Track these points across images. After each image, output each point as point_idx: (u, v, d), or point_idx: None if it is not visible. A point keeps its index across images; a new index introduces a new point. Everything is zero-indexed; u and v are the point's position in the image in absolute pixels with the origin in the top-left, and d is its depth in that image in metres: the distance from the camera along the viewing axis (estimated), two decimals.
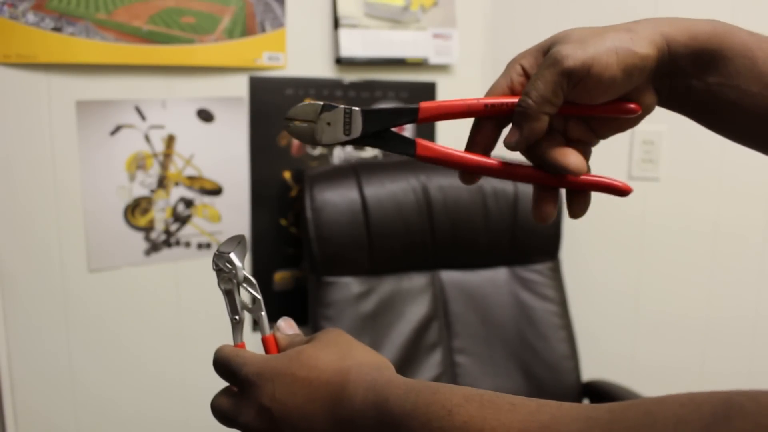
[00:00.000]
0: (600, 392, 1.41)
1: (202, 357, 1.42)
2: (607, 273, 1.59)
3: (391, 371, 0.43)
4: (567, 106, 0.46)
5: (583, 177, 0.47)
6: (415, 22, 1.48)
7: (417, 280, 1.42)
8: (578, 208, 0.49)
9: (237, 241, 0.51)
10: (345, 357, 0.44)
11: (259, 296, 0.50)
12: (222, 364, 0.47)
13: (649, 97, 0.47)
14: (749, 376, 1.54)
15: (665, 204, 1.52)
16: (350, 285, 1.35)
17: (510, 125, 0.48)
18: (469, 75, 1.59)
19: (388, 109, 0.48)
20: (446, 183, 1.40)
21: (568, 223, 1.48)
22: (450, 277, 1.44)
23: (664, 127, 1.46)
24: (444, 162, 0.48)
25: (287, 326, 0.51)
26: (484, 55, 1.61)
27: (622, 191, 0.47)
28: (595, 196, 0.48)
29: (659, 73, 0.45)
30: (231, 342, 0.51)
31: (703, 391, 0.30)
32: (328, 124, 0.48)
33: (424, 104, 0.48)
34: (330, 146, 0.49)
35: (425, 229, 1.39)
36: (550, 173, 0.47)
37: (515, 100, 0.46)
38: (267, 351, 0.49)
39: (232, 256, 0.49)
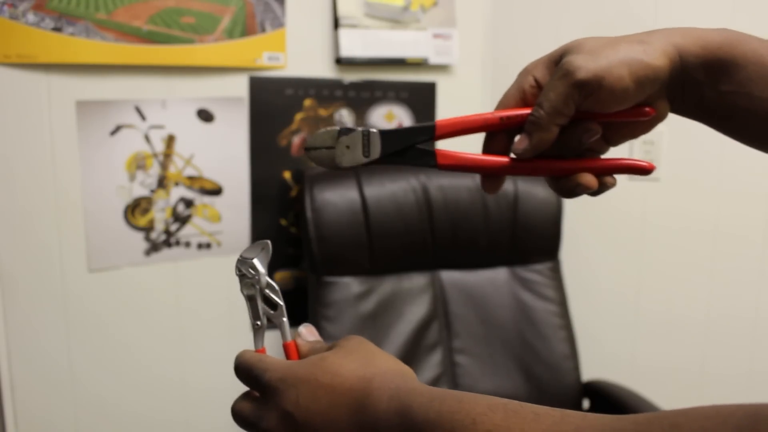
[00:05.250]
0: (600, 392, 1.41)
1: (202, 357, 1.42)
2: (607, 273, 1.59)
3: (415, 379, 0.44)
4: (581, 114, 0.46)
5: (606, 160, 0.48)
6: (415, 22, 1.48)
7: (417, 280, 1.42)
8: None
9: (261, 247, 0.51)
10: (368, 364, 0.44)
11: (281, 302, 0.50)
12: (244, 370, 0.47)
13: (662, 106, 0.47)
14: (749, 376, 1.54)
15: (665, 204, 1.52)
16: (350, 285, 1.35)
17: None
18: (469, 75, 1.59)
19: (405, 129, 0.49)
20: (446, 183, 1.40)
21: (568, 223, 1.48)
22: (450, 277, 1.44)
23: (664, 128, 1.46)
24: (466, 168, 0.49)
25: (308, 333, 0.51)
26: (484, 55, 1.61)
27: (645, 170, 0.48)
28: (596, 198, 0.48)
29: (672, 83, 0.46)
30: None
31: (729, 403, 0.30)
32: (347, 147, 0.48)
33: (441, 121, 0.49)
34: (351, 169, 0.50)
35: (425, 229, 1.39)
36: (574, 156, 0.48)
37: (529, 111, 0.47)
38: (288, 357, 0.50)
39: (256, 261, 0.50)
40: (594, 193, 0.48)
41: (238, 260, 0.50)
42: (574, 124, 0.47)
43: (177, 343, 1.41)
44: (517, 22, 1.59)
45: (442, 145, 0.48)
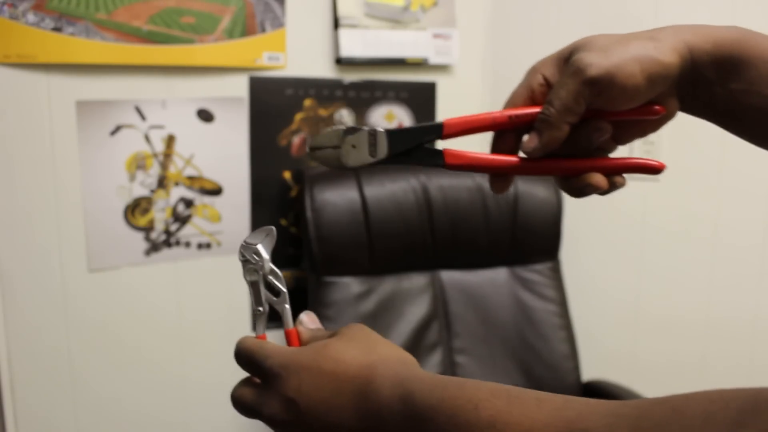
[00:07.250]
0: (600, 392, 1.41)
1: (201, 357, 1.42)
2: (607, 273, 1.59)
3: (417, 366, 0.44)
4: (590, 113, 0.46)
5: (616, 159, 0.47)
6: (415, 22, 1.48)
7: (417, 280, 1.42)
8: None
9: (265, 233, 0.50)
10: (370, 351, 0.44)
11: (284, 289, 0.50)
12: (245, 356, 0.47)
13: (672, 104, 0.47)
14: (749, 375, 1.54)
15: (665, 204, 1.52)
16: (350, 285, 1.35)
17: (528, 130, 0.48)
18: (469, 75, 1.59)
19: (412, 129, 0.48)
20: (446, 183, 1.40)
21: (568, 223, 1.48)
22: (450, 277, 1.44)
23: (665, 128, 1.46)
24: (475, 167, 0.48)
25: (310, 320, 0.51)
26: (484, 55, 1.61)
27: (656, 169, 0.48)
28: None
29: (682, 80, 0.46)
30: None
31: (732, 387, 0.30)
32: (353, 146, 0.47)
33: (449, 120, 0.48)
34: (357, 169, 0.49)
35: (425, 229, 1.39)
36: (583, 156, 0.47)
37: (538, 110, 0.46)
38: (289, 344, 0.49)
39: (260, 247, 0.49)
40: (604, 192, 0.48)
41: (242, 245, 0.49)
42: (584, 123, 0.46)
43: (177, 343, 1.41)
44: (517, 22, 1.59)
45: (448, 144, 0.48)
